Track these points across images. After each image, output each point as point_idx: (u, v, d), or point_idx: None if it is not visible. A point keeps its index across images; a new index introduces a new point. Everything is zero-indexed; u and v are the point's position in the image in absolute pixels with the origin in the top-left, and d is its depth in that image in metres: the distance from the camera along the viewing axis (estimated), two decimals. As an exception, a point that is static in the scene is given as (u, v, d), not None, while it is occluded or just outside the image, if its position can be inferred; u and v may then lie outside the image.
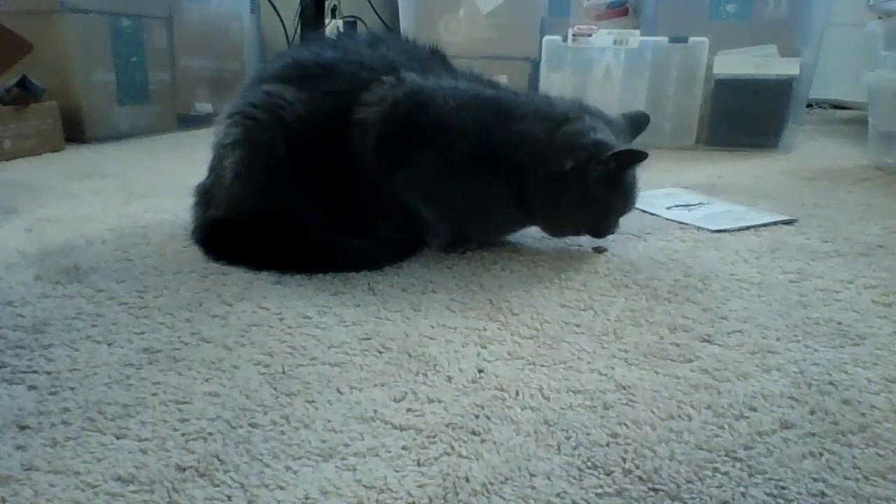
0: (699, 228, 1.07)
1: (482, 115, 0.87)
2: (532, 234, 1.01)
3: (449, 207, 0.89)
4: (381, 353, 0.64)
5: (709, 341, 0.67)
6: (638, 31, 1.84)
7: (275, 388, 0.57)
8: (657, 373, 0.61)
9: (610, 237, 0.96)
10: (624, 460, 0.49)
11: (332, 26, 2.69)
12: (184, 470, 0.47)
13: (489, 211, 0.90)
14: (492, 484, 0.46)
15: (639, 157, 0.85)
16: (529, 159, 0.86)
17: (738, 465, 0.48)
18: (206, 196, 0.95)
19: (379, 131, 0.86)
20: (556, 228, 0.94)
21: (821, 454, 0.49)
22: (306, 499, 0.44)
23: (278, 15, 2.70)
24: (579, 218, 0.90)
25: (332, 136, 0.86)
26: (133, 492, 0.45)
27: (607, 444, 0.50)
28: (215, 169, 0.92)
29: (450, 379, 0.60)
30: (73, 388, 0.57)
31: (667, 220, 1.13)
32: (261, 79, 0.92)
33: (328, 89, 0.88)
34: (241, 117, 0.88)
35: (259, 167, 0.87)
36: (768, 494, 0.45)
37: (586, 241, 0.97)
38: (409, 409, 0.55)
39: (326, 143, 0.87)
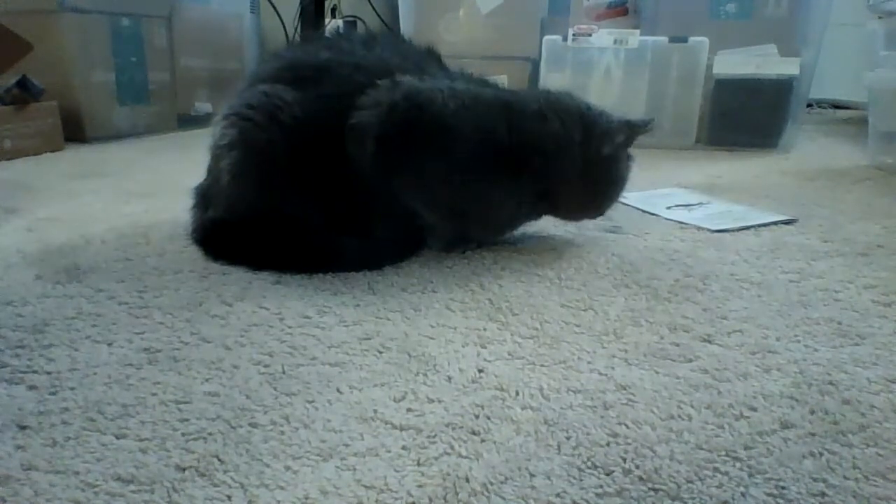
0: (699, 228, 1.07)
1: (486, 115, 0.87)
2: (532, 234, 1.01)
3: (453, 209, 0.89)
4: (381, 352, 0.64)
5: (709, 341, 0.67)
6: (638, 31, 1.84)
7: (275, 388, 0.57)
8: (657, 373, 0.61)
9: (610, 236, 0.96)
10: (624, 460, 0.49)
11: (332, 26, 2.69)
12: (184, 470, 0.47)
13: (496, 210, 0.90)
14: (492, 484, 0.46)
15: (646, 124, 0.92)
16: (555, 151, 0.87)
17: (738, 464, 0.48)
18: (204, 197, 0.95)
19: (377, 135, 0.85)
20: (580, 212, 0.97)
21: (821, 454, 0.49)
22: (306, 499, 0.44)
23: (278, 15, 2.70)
24: (610, 197, 0.94)
25: (329, 140, 0.86)
26: (133, 492, 0.45)
27: (607, 444, 0.50)
28: (213, 170, 0.92)
29: (450, 379, 0.60)
30: (72, 388, 0.57)
31: (667, 219, 1.13)
32: (257, 79, 0.92)
33: (323, 92, 0.88)
34: (237, 118, 0.88)
35: (256, 168, 0.87)
36: (768, 494, 0.45)
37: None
38: (409, 409, 0.55)
39: (323, 146, 0.86)
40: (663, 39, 1.83)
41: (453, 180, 0.86)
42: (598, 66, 1.87)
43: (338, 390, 0.57)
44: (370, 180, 0.86)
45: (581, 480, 0.46)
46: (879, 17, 1.63)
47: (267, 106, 0.87)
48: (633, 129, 0.91)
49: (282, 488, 0.45)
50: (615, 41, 1.84)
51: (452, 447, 0.50)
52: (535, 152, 0.87)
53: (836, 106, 2.76)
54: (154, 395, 0.56)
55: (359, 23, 2.86)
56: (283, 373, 0.60)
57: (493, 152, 0.86)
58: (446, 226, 0.91)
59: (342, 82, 0.88)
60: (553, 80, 1.86)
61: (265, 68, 0.95)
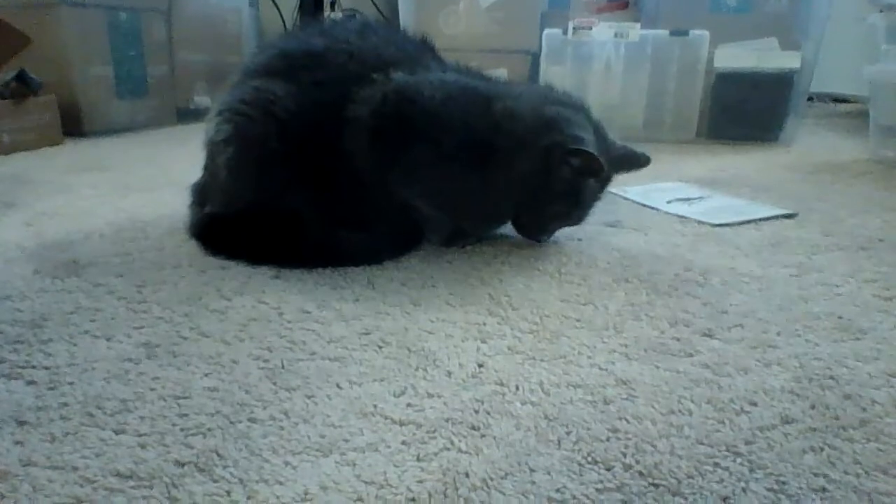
0: (700, 222, 1.07)
1: (468, 106, 0.86)
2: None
3: (445, 200, 0.89)
4: (380, 347, 0.64)
5: (709, 336, 0.67)
6: (638, 25, 1.83)
7: (274, 383, 0.57)
8: (657, 367, 0.61)
9: (610, 231, 0.96)
10: (624, 455, 0.48)
11: (331, 19, 2.68)
12: (183, 465, 0.47)
13: (480, 201, 0.89)
14: (492, 479, 0.46)
15: (595, 168, 0.83)
16: (504, 138, 0.85)
17: (738, 459, 0.48)
18: (201, 195, 0.95)
19: (370, 127, 0.85)
20: (524, 221, 0.92)
21: (822, 449, 0.49)
22: (306, 494, 0.44)
23: (277, 8, 2.69)
24: (542, 218, 0.90)
25: (325, 131, 0.86)
26: (132, 487, 0.45)
27: (607, 439, 0.50)
28: (209, 166, 0.92)
29: (449, 374, 0.59)
30: (71, 383, 0.57)
31: (667, 213, 1.13)
32: (248, 74, 0.92)
33: (317, 79, 0.87)
34: (231, 114, 0.88)
35: (253, 162, 0.87)
36: (769, 489, 0.45)
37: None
38: (408, 404, 0.55)
39: (319, 138, 0.86)
40: (664, 33, 1.83)
41: (442, 170, 0.86)
42: (598, 60, 1.87)
43: (337, 385, 0.57)
44: (367, 173, 0.86)
45: (581, 475, 0.46)
46: (880, 11, 1.63)
47: (259, 100, 0.87)
48: (576, 156, 0.82)
49: (281, 483, 0.45)
50: (616, 35, 1.83)
51: (452, 442, 0.50)
52: (501, 147, 0.85)
53: (837, 100, 2.75)
54: (153, 390, 0.56)
55: (358, 16, 2.85)
56: (283, 368, 0.60)
57: (475, 143, 0.85)
58: (442, 217, 0.91)
59: (336, 70, 0.88)
60: (553, 73, 1.85)
61: (257, 60, 0.95)
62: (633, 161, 0.95)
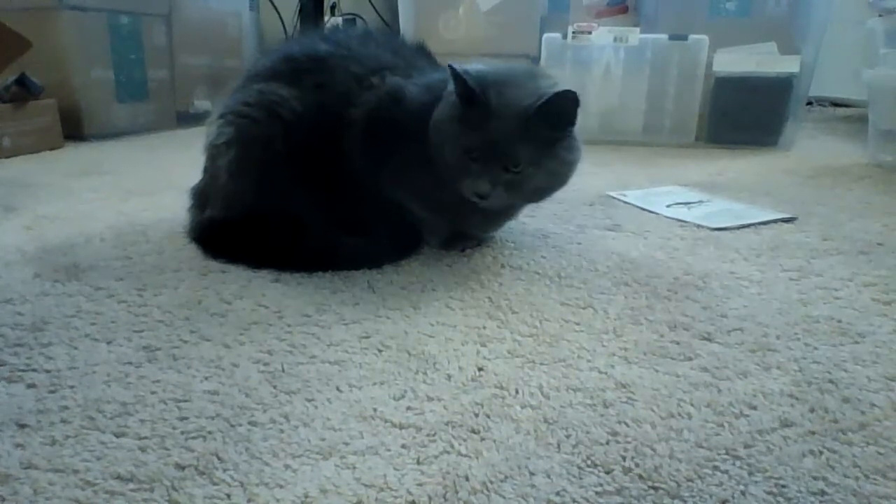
0: (699, 226, 1.07)
1: (436, 101, 0.85)
2: (532, 232, 1.01)
3: (436, 201, 0.88)
4: (380, 351, 0.64)
5: (709, 339, 0.67)
6: (638, 29, 1.84)
7: (274, 387, 0.57)
8: (657, 371, 0.61)
9: (610, 234, 0.95)
10: (624, 458, 0.48)
11: (332, 24, 2.69)
12: (183, 468, 0.47)
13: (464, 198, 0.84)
14: (491, 482, 0.46)
15: (460, 80, 0.76)
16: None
17: (737, 463, 0.48)
18: (201, 198, 0.95)
19: (363, 129, 0.86)
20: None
21: (821, 452, 0.49)
22: (306, 497, 0.44)
23: (277, 12, 2.70)
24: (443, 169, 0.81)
25: (327, 134, 0.86)
26: (132, 490, 0.45)
27: (607, 443, 0.50)
28: (209, 169, 0.92)
29: (449, 377, 0.59)
30: (72, 387, 0.57)
31: (666, 218, 1.13)
32: (251, 78, 0.92)
33: (320, 83, 0.88)
34: (234, 116, 0.88)
35: (255, 165, 0.87)
36: (768, 493, 0.45)
37: (590, 232, 0.97)
38: (408, 408, 0.55)
39: (322, 141, 0.86)
40: (663, 37, 1.83)
41: (427, 171, 0.85)
42: (598, 65, 1.87)
43: (337, 388, 0.57)
44: (363, 175, 0.87)
45: (581, 479, 0.46)
46: (879, 15, 1.63)
47: (264, 102, 0.87)
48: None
49: (281, 487, 0.45)
50: (615, 39, 1.83)
51: (452, 445, 0.50)
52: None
53: (836, 104, 2.75)
54: (153, 393, 0.56)
55: (358, 21, 2.86)
56: (283, 371, 0.60)
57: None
58: (436, 219, 0.91)
59: (339, 75, 0.88)
60: (553, 77, 1.86)
61: (259, 65, 0.95)
62: (561, 96, 0.77)
